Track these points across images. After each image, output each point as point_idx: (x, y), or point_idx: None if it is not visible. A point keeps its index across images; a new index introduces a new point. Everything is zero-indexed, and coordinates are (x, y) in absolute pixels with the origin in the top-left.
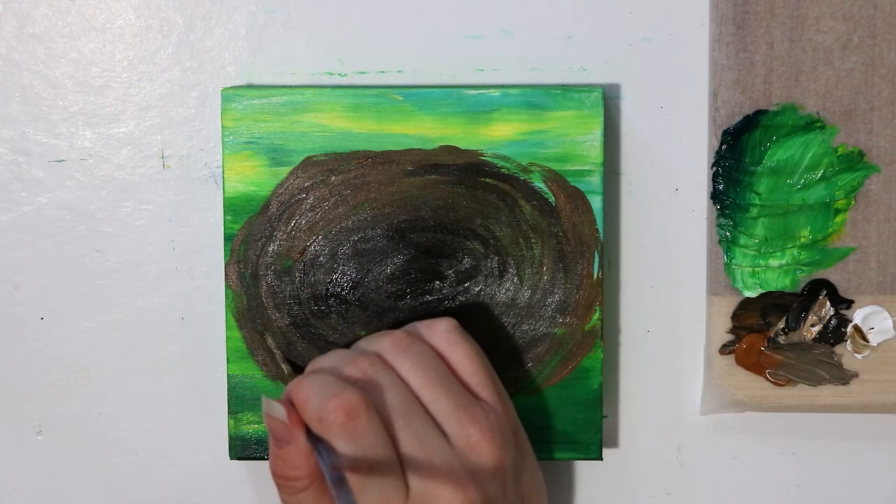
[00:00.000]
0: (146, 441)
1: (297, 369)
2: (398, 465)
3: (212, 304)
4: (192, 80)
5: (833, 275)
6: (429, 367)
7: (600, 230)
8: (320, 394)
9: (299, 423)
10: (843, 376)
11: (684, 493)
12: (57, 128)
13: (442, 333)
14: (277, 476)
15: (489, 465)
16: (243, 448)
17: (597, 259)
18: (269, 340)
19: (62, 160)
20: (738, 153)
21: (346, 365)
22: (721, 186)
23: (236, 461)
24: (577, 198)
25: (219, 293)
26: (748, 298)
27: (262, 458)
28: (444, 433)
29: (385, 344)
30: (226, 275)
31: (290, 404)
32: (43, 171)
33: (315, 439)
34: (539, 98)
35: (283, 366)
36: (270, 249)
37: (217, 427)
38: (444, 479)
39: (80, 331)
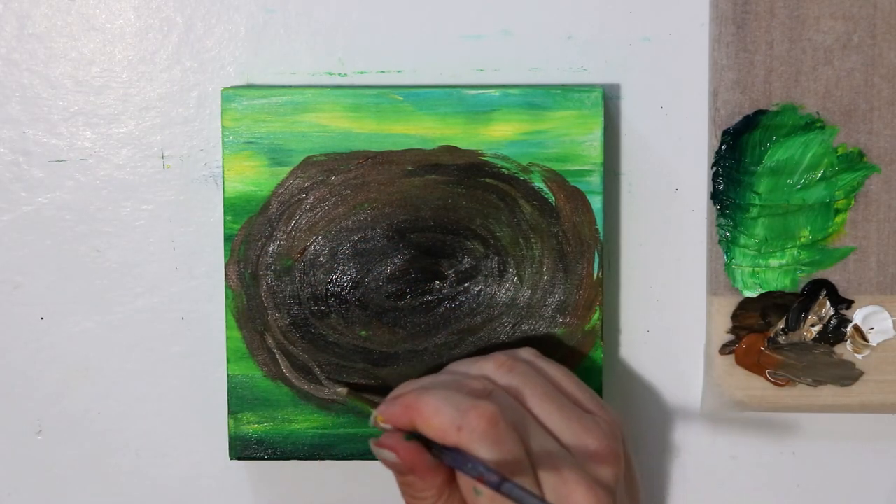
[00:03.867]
0: (146, 441)
1: (354, 388)
2: (532, 471)
3: (212, 304)
4: (192, 80)
5: (833, 275)
6: (536, 385)
7: (600, 230)
8: (454, 405)
9: (416, 453)
10: (844, 376)
11: (684, 493)
12: (57, 128)
13: (531, 358)
14: (407, 497)
15: (608, 472)
16: (243, 448)
17: (597, 259)
18: (318, 371)
19: (62, 160)
20: (738, 153)
21: (460, 385)
22: (721, 186)
23: (236, 461)
24: (577, 198)
25: (219, 293)
26: (748, 298)
27: (262, 458)
28: (562, 445)
29: (489, 366)
30: (226, 275)
31: (400, 434)
32: (43, 171)
33: (446, 450)
34: (539, 98)
35: (338, 389)
36: (270, 249)
37: (217, 427)
38: (575, 483)
39: (80, 331)
